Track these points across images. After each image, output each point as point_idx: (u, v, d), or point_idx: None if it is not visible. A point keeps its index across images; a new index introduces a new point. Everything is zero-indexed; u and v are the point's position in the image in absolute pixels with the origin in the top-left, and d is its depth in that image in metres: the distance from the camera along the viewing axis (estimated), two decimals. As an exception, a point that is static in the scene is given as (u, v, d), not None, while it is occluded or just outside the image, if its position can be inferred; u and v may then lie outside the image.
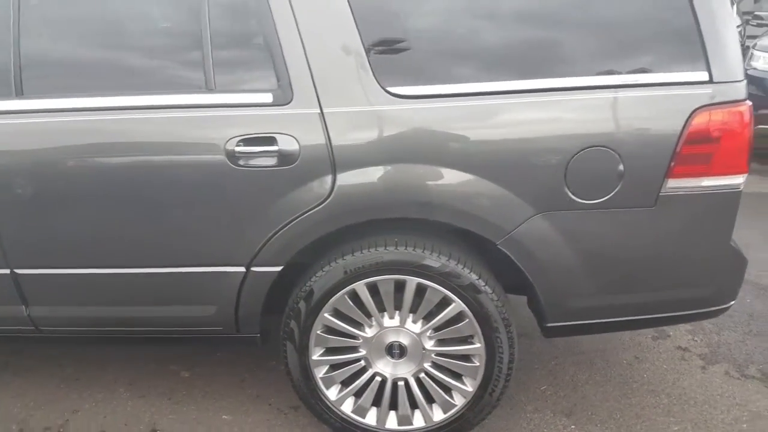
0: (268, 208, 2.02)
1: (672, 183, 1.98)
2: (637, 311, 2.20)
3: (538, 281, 2.10)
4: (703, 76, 1.94)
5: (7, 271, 2.16)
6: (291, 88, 1.96)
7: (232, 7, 1.99)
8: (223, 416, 2.49)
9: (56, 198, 2.06)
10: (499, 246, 2.05)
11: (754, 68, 5.91)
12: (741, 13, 8.61)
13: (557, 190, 1.98)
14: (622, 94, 1.94)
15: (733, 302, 2.24)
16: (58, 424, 2.42)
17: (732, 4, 8.31)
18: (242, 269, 2.10)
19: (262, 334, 2.28)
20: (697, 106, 1.93)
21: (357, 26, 1.94)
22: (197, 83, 2.00)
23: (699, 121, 1.93)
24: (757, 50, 6.08)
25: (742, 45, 6.10)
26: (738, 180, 2.00)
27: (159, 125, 2.02)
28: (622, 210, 2.00)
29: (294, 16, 1.94)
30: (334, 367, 2.24)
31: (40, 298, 2.22)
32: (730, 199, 2.02)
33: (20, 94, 2.03)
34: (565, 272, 2.08)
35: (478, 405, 2.23)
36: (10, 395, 2.60)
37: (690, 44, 1.93)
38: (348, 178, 1.98)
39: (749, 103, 1.98)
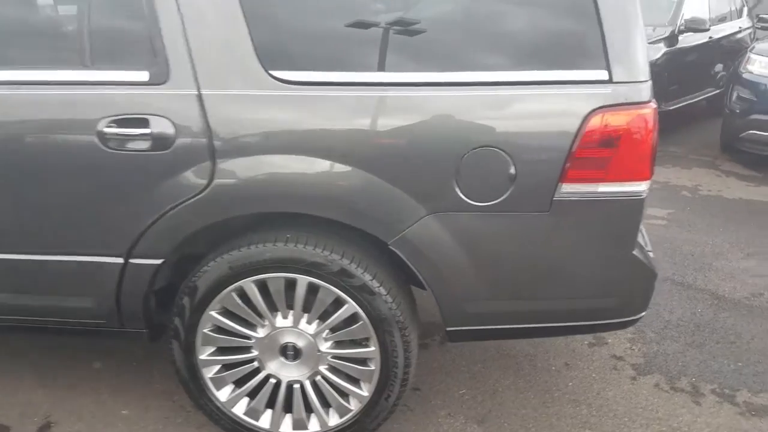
0: (143, 195, 1.91)
1: (566, 187, 1.85)
2: (537, 319, 2.08)
3: (432, 284, 1.98)
4: (603, 75, 1.81)
5: None
6: (168, 66, 1.84)
7: None
8: (122, 411, 2.41)
9: None
10: (390, 246, 1.93)
11: (750, 72, 5.70)
12: (755, 17, 8.30)
13: (448, 191, 1.86)
14: (514, 91, 1.82)
15: (642, 314, 2.12)
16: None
17: (743, 6, 8.05)
18: (120, 260, 2.00)
19: (154, 329, 2.18)
20: (593, 107, 1.80)
21: (241, 4, 1.82)
22: (71, 58, 1.89)
23: (595, 123, 1.80)
24: (754, 54, 5.87)
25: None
26: (639, 187, 1.87)
27: (29, 102, 1.91)
28: (516, 214, 1.88)
29: None
30: (227, 367, 2.15)
31: None
32: (631, 206, 1.89)
33: None
34: (460, 276, 1.96)
35: (374, 410, 2.13)
36: None
37: (590, 41, 1.79)
38: (228, 167, 1.87)
39: (654, 105, 1.84)
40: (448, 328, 2.08)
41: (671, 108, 6.38)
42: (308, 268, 1.95)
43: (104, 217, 1.96)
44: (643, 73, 1.82)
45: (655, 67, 5.95)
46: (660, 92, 6.10)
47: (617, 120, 1.81)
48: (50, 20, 1.99)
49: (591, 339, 2.92)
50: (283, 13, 1.84)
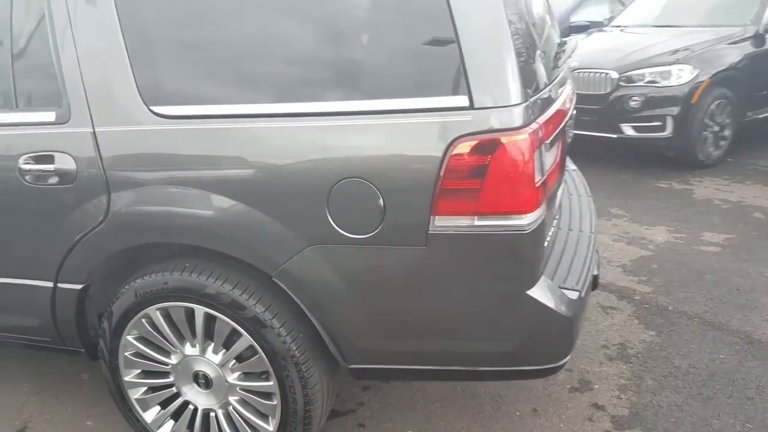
0: (58, 225, 2.05)
1: (440, 221, 1.72)
2: (434, 361, 1.94)
3: (318, 318, 1.92)
4: (463, 101, 1.66)
5: None
6: (69, 107, 1.97)
7: (28, 27, 2.03)
8: (87, 422, 2.58)
9: None
10: (274, 279, 1.90)
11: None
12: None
13: (323, 223, 1.79)
14: (375, 121, 1.72)
15: (561, 363, 1.89)
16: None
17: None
18: (50, 284, 2.16)
19: (93, 349, 2.32)
20: (456, 136, 1.66)
21: (126, 45, 1.89)
22: (7, 101, 2.09)
23: (459, 152, 1.66)
24: None
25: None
26: (520, 220, 1.68)
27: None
28: (392, 248, 1.77)
29: (72, 35, 1.93)
30: (153, 389, 2.23)
31: None
32: (514, 241, 1.71)
33: None
34: (343, 310, 1.89)
35: (288, 443, 2.09)
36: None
37: (449, 66, 1.66)
38: (120, 200, 1.95)
39: (531, 129, 1.65)
40: (349, 366, 1.99)
41: (760, 117, 5.61)
42: (202, 299, 1.98)
43: (33, 244, 2.13)
44: (513, 96, 1.64)
45: (736, 71, 5.29)
46: (746, 99, 5.44)
47: (481, 149, 1.65)
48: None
49: (575, 383, 2.64)
50: (161, 50, 1.89)
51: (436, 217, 1.71)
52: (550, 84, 1.96)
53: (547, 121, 1.80)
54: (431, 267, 1.77)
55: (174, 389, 2.19)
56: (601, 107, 5.36)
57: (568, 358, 1.91)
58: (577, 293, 1.93)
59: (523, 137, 1.64)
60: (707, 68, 5.19)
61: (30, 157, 2.02)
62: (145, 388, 2.23)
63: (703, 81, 5.14)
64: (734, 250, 3.84)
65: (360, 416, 2.49)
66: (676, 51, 5.32)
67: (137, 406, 2.24)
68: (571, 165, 3.14)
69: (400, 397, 2.59)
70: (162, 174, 1.91)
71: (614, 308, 3.25)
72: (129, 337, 2.13)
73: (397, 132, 1.71)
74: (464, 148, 1.65)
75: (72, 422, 2.58)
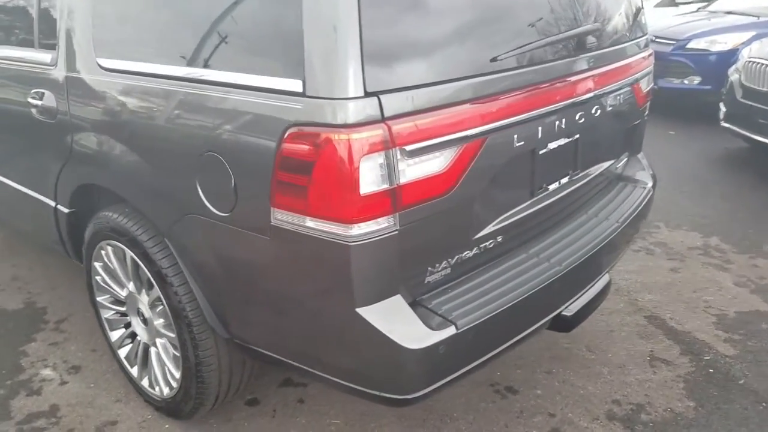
0: (50, 154, 2.36)
1: (278, 214, 1.59)
2: (294, 358, 1.84)
3: (198, 285, 1.95)
4: (297, 86, 1.47)
5: None
6: (57, 52, 2.23)
7: None
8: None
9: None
10: (165, 238, 1.97)
11: None
12: None
13: (194, 194, 1.79)
14: (228, 95, 1.64)
15: (408, 397, 1.64)
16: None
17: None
18: (53, 203, 2.50)
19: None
20: (289, 124, 1.49)
21: (93, 5, 2.08)
22: (30, 41, 2.43)
23: (291, 143, 1.50)
24: None
25: None
26: (342, 230, 1.48)
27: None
28: (244, 231, 1.70)
29: None
30: (119, 314, 2.49)
31: None
32: (339, 253, 1.51)
33: None
34: (213, 284, 1.89)
35: (184, 397, 2.19)
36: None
37: (293, 42, 1.47)
38: (78, 139, 2.18)
39: (370, 129, 1.42)
40: (225, 338, 2.00)
41: None
42: (128, 243, 2.13)
43: (41, 167, 2.49)
44: (353, 88, 1.41)
45: None
46: None
47: (308, 143, 1.47)
48: (20, 10, 2.57)
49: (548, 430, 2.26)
50: (112, 6, 2.02)
51: (274, 209, 1.59)
52: (479, 75, 1.66)
53: (423, 120, 1.52)
54: (273, 259, 1.67)
55: (127, 318, 2.42)
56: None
57: (419, 393, 1.65)
58: (452, 328, 1.65)
59: (356, 136, 1.42)
60: None
61: (34, 92, 2.34)
62: (112, 312, 2.50)
63: None
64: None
65: (305, 393, 2.47)
66: None
67: (106, 325, 2.52)
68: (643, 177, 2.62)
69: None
70: (98, 121, 2.08)
71: (667, 362, 2.66)
72: (96, 264, 2.40)
73: (243, 110, 1.62)
74: (294, 138, 1.49)
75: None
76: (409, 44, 1.53)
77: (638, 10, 2.42)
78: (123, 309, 2.42)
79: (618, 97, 2.27)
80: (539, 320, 1.94)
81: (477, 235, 1.82)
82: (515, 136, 1.78)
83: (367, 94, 1.43)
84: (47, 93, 2.27)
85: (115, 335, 2.51)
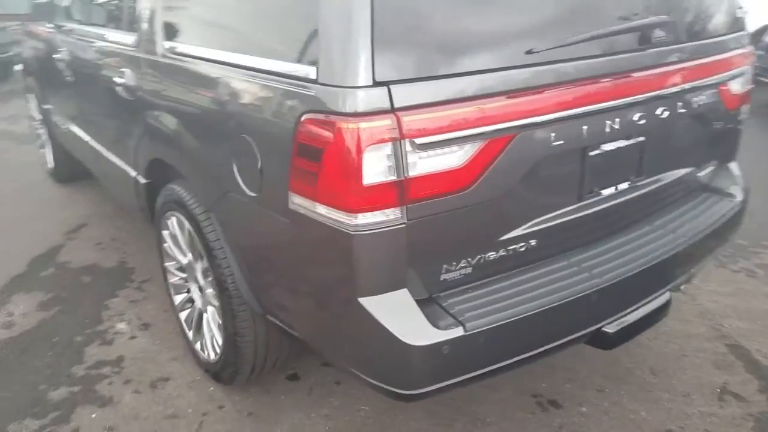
0: (130, 129, 2.56)
1: (294, 198, 1.62)
2: (308, 338, 1.87)
3: (237, 261, 2.02)
4: (312, 72, 1.48)
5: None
6: (138, 33, 2.42)
7: None
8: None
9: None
10: (210, 213, 2.06)
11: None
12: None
13: (231, 173, 1.87)
14: (256, 79, 1.68)
15: (412, 392, 1.61)
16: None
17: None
18: (134, 173, 2.71)
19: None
20: (305, 110, 1.51)
21: None
22: (121, 23, 2.63)
23: (305, 129, 1.52)
24: None
25: None
26: (346, 219, 1.47)
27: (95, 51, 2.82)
28: (269, 211, 1.74)
29: None
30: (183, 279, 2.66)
31: None
32: (342, 241, 1.50)
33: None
34: (249, 261, 1.98)
35: (224, 364, 2.31)
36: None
37: (308, 27, 1.48)
38: (150, 118, 2.34)
39: (379, 118, 1.40)
40: (264, 316, 2.06)
41: None
42: (186, 215, 2.26)
43: (124, 137, 2.70)
44: (363, 76, 1.39)
45: None
46: None
47: (319, 130, 1.47)
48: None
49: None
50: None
51: (291, 194, 1.61)
52: (506, 68, 1.58)
53: (438, 113, 1.47)
54: (290, 242, 1.70)
55: (188, 284, 2.57)
56: None
57: (421, 391, 1.61)
58: (459, 329, 1.59)
59: (362, 125, 1.41)
60: None
61: (121, 71, 2.54)
62: (176, 277, 2.67)
63: None
64: None
65: (342, 375, 2.51)
66: None
67: (171, 289, 2.70)
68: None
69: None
70: (163, 101, 2.22)
71: (739, 397, 2.40)
72: (164, 232, 2.57)
73: (267, 95, 1.66)
74: (308, 125, 1.51)
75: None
76: (427, 34, 1.48)
77: (731, 5, 2.17)
78: (185, 275, 2.57)
79: (697, 99, 2.05)
80: (570, 334, 1.82)
81: (504, 236, 1.73)
82: (552, 134, 1.67)
83: (377, 84, 1.41)
84: (129, 72, 2.46)
85: (177, 299, 2.68)
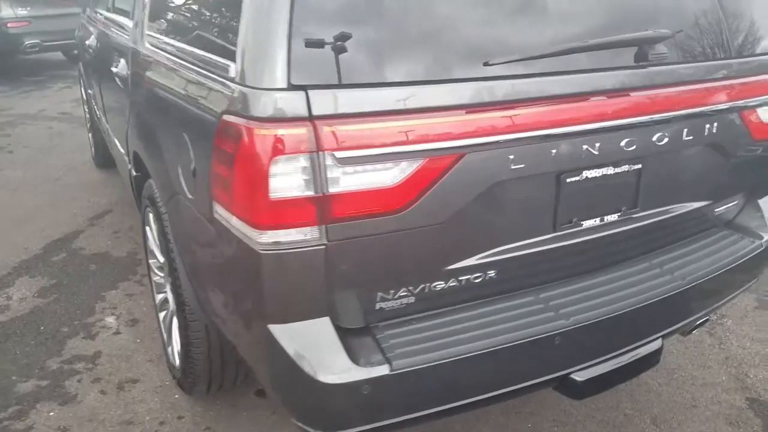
0: (123, 119, 2.51)
1: (216, 207, 1.50)
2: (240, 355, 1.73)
3: (182, 266, 1.93)
4: (232, 69, 1.35)
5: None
6: (134, 20, 2.39)
7: None
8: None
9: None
10: (166, 215, 1.99)
11: None
12: None
13: (177, 173, 1.77)
14: (192, 74, 1.59)
15: None
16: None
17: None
18: (130, 165, 2.65)
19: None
20: (223, 110, 1.38)
21: None
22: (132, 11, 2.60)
23: (221, 131, 1.39)
24: None
25: None
26: (253, 234, 1.33)
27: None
28: (199, 217, 1.63)
29: None
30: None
31: None
32: (253, 260, 1.36)
33: None
34: (189, 268, 1.88)
35: (183, 372, 2.22)
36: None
37: (235, 21, 1.36)
38: (131, 110, 2.29)
39: (286, 130, 1.27)
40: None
41: None
42: (155, 214, 2.19)
43: (120, 127, 2.66)
44: (279, 78, 1.25)
45: None
46: None
47: (231, 133, 1.33)
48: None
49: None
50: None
51: (214, 201, 1.49)
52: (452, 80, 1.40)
53: (367, 125, 1.32)
54: (217, 253, 1.58)
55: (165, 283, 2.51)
56: None
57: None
58: (385, 367, 1.42)
59: (268, 132, 1.27)
60: None
61: (116, 60, 2.51)
62: (157, 276, 2.61)
63: None
64: None
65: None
66: None
67: (154, 288, 2.65)
68: None
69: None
70: (138, 92, 2.16)
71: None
72: (147, 228, 2.52)
73: (200, 94, 1.55)
74: (224, 127, 1.38)
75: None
76: (358, 35, 1.32)
77: (753, 23, 1.88)
78: (162, 274, 2.51)
79: (709, 127, 1.79)
80: (526, 379, 1.61)
81: (452, 266, 1.54)
82: (511, 156, 1.47)
83: (292, 87, 1.27)
84: (122, 61, 2.42)
85: (158, 298, 2.62)
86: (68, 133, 6.00)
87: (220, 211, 1.47)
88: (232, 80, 1.37)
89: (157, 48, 1.96)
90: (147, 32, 2.10)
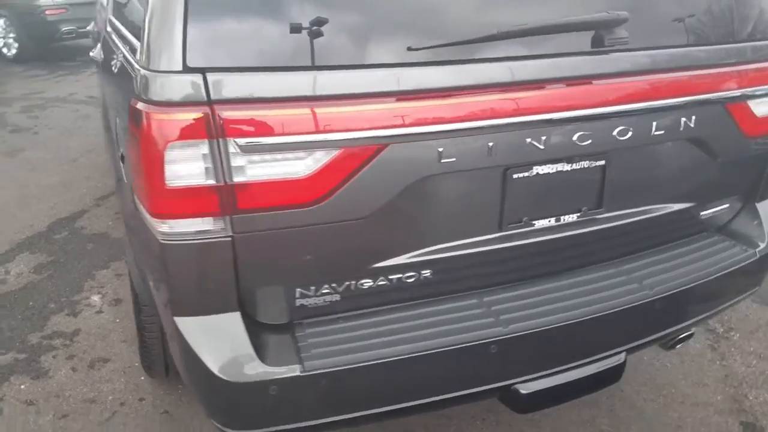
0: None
1: (133, 192, 1.43)
2: None
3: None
4: (140, 53, 1.30)
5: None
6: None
7: None
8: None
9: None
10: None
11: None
12: None
13: (119, 157, 1.72)
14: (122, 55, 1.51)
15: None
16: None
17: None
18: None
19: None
20: (132, 94, 1.33)
21: None
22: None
23: (130, 114, 1.32)
24: None
25: None
26: (155, 224, 1.28)
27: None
28: (130, 203, 1.57)
29: None
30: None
31: None
32: (156, 250, 1.31)
33: None
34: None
35: (142, 356, 2.21)
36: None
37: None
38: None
39: (181, 115, 1.20)
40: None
41: None
42: (118, 196, 2.17)
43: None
44: (172, 60, 1.18)
45: None
46: None
47: (136, 117, 1.27)
48: None
49: None
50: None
51: (133, 186, 1.44)
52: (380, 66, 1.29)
53: (274, 111, 1.23)
54: (140, 239, 1.51)
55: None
56: None
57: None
58: (296, 367, 1.35)
59: (162, 117, 1.20)
60: None
61: (98, 46, 2.49)
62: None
63: None
64: None
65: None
66: None
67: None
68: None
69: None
70: (102, 77, 2.13)
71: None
72: (122, 210, 2.51)
73: (123, 74, 1.48)
74: (131, 110, 1.31)
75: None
76: (264, 14, 1.24)
77: (747, 4, 1.69)
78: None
79: (687, 120, 1.63)
80: (456, 389, 1.51)
81: (379, 264, 1.45)
82: (440, 149, 1.36)
83: (188, 70, 1.19)
84: (98, 46, 2.41)
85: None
86: (94, 116, 6.11)
87: (135, 199, 1.42)
88: (138, 62, 1.31)
89: (112, 31, 1.93)
90: (109, 16, 2.07)
